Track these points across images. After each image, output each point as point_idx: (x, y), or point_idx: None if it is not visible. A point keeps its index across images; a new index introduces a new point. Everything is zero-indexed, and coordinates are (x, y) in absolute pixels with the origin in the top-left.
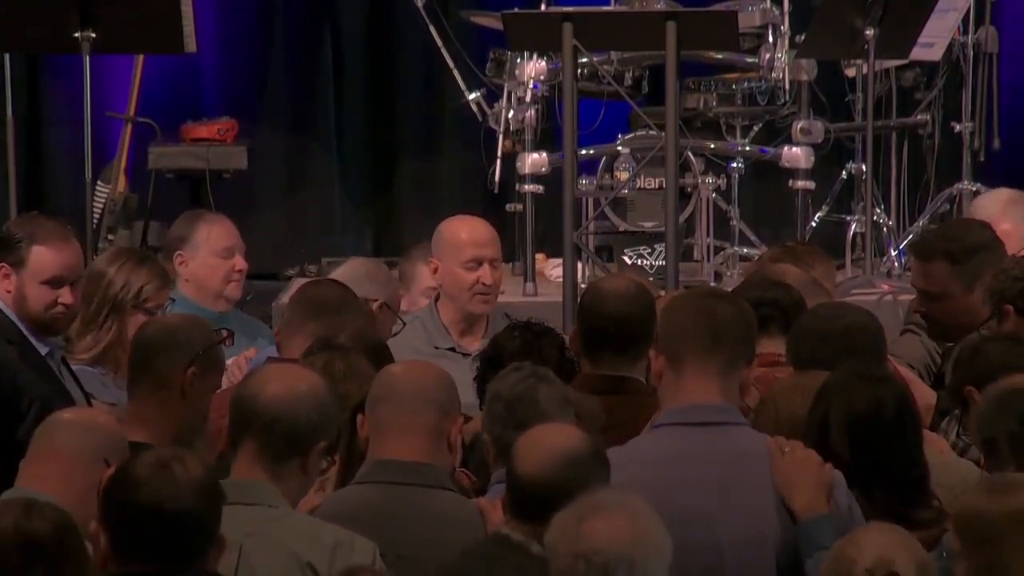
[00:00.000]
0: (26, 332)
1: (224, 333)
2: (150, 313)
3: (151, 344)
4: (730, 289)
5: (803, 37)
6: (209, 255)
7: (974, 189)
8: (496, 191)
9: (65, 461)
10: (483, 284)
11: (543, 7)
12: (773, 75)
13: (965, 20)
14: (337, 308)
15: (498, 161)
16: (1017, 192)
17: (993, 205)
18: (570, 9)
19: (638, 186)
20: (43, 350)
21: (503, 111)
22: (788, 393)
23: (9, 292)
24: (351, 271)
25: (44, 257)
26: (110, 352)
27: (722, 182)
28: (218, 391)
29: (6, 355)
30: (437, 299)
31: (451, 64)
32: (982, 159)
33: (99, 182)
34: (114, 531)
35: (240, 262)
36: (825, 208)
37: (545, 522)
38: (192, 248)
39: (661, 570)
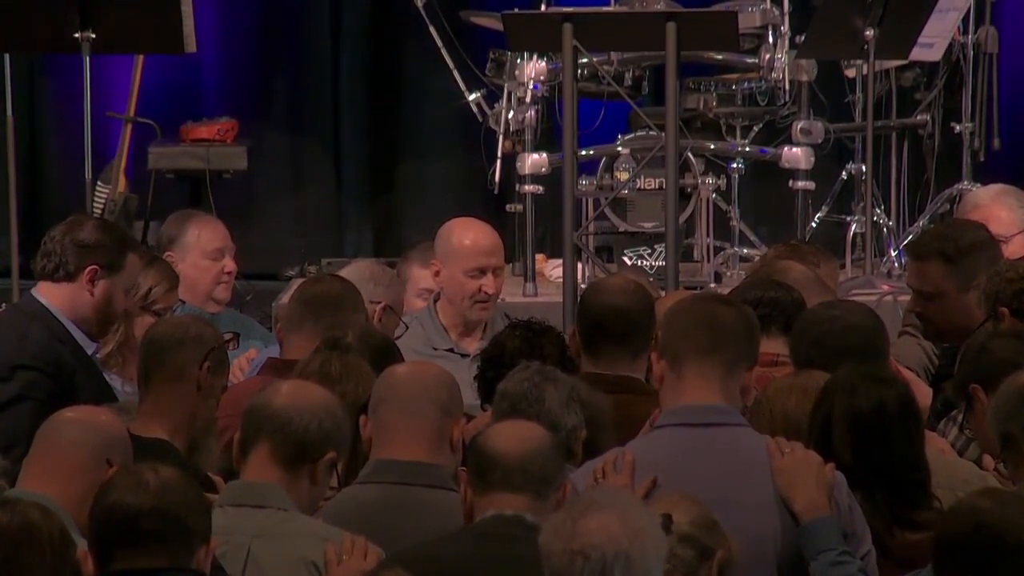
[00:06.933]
0: (73, 334)
1: (230, 335)
2: (158, 315)
3: (166, 340)
4: (730, 289)
5: (803, 37)
6: (199, 257)
7: (974, 189)
8: (496, 191)
9: (67, 460)
10: (485, 293)
11: (543, 7)
12: (773, 75)
13: (965, 20)
14: (336, 305)
15: (498, 162)
16: (1010, 186)
17: (986, 194)
18: (570, 9)
19: (638, 186)
20: (89, 349)
21: (503, 112)
22: (782, 392)
23: (93, 295)
24: (355, 273)
25: (135, 263)
26: (117, 354)
27: (722, 182)
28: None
29: (63, 355)
30: (436, 300)
31: (451, 64)
32: (982, 159)
33: (99, 182)
34: (95, 539)
35: (230, 264)
36: (825, 208)
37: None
38: (182, 249)
39: (657, 566)
